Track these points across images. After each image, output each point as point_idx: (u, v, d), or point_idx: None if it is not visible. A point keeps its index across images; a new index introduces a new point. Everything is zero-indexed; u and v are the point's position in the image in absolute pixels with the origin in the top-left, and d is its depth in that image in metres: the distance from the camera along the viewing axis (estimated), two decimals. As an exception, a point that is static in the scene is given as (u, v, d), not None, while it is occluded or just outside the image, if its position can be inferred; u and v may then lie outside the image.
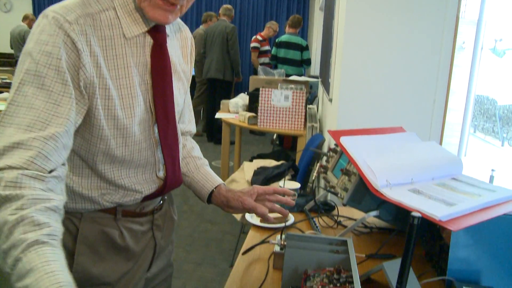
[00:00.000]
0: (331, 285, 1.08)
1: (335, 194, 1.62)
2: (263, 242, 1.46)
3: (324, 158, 1.90)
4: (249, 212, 1.32)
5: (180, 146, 1.28)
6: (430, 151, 1.66)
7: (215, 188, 1.34)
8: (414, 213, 1.10)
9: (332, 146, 1.85)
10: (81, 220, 1.09)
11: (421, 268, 1.48)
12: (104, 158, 1.07)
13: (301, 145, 4.10)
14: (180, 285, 3.12)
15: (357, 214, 1.90)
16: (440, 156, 1.63)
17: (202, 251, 3.66)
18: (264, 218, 1.25)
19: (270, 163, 3.40)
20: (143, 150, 1.13)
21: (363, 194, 1.57)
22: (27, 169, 0.83)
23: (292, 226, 1.70)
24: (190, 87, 1.38)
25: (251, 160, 3.56)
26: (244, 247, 1.55)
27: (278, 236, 1.42)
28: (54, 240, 0.78)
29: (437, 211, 1.25)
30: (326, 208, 1.95)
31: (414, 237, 1.11)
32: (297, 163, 3.48)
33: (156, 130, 1.16)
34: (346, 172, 1.60)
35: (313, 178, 1.86)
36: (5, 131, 0.87)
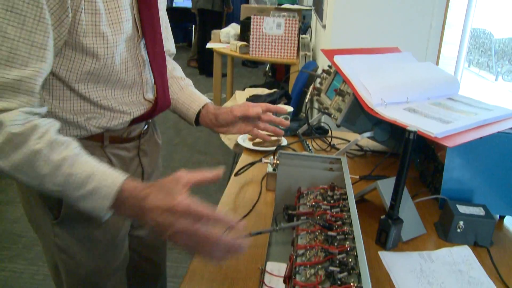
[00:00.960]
0: (325, 202, 1.07)
1: (329, 115, 1.59)
2: (255, 162, 1.44)
3: (318, 80, 1.85)
4: (239, 133, 1.28)
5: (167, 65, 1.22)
6: (426, 71, 1.62)
7: (202, 107, 1.28)
8: (410, 128, 1.07)
9: (326, 67, 1.80)
10: None
11: (416, 189, 1.48)
12: (88, 77, 0.98)
13: (294, 73, 4.03)
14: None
15: (351, 137, 1.88)
16: (437, 76, 1.59)
17: (196, 182, 3.68)
18: (256, 135, 1.21)
19: (263, 91, 3.35)
20: (129, 69, 1.06)
21: (358, 114, 1.54)
22: (23, 107, 0.83)
23: (284, 148, 1.68)
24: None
25: (243, 90, 3.50)
26: (237, 170, 1.53)
27: (271, 157, 1.40)
28: (82, 150, 0.85)
29: (433, 128, 1.22)
30: (320, 132, 1.92)
31: (409, 152, 1.09)
32: (290, 92, 3.43)
33: (143, 48, 1.09)
34: (340, 93, 1.56)
35: (306, 101, 1.82)
36: None
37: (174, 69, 1.35)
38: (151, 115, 1.14)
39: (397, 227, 1.17)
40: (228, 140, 3.11)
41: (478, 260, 1.17)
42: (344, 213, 1.03)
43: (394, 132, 1.58)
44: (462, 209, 1.26)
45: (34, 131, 0.81)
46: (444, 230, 1.27)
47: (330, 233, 0.95)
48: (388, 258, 1.15)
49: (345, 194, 1.11)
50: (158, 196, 0.79)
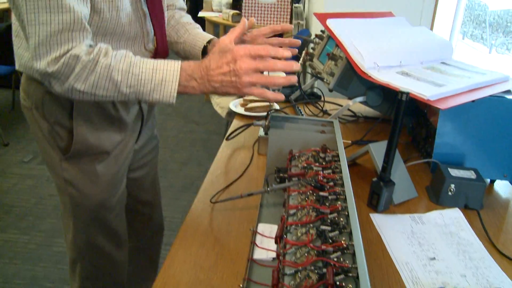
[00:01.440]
0: (317, 164, 1.06)
1: (321, 79, 1.57)
2: (247, 125, 1.43)
3: (310, 45, 1.83)
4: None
5: (165, 18, 1.27)
6: (420, 35, 1.60)
7: (208, 42, 1.29)
8: (402, 89, 1.06)
9: (319, 32, 1.77)
10: None
11: (408, 154, 1.48)
12: (97, 30, 1.06)
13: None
14: (167, 184, 3.15)
15: (344, 103, 1.86)
16: (430, 40, 1.57)
17: (188, 151, 3.67)
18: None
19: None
20: (132, 22, 1.13)
21: (350, 78, 1.52)
22: (85, 40, 0.96)
23: (277, 112, 1.66)
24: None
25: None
26: (228, 134, 1.52)
27: (263, 121, 1.39)
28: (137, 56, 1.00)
29: (425, 91, 1.21)
30: (312, 98, 1.91)
31: (402, 113, 1.08)
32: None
33: (143, 2, 1.15)
34: (332, 57, 1.54)
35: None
36: (38, 18, 0.92)
37: (182, 17, 1.39)
38: None
39: (388, 190, 1.17)
40: (221, 108, 3.09)
41: (468, 222, 1.17)
42: (336, 174, 1.02)
43: (387, 97, 1.57)
44: (454, 172, 1.26)
45: (99, 53, 0.95)
46: (435, 193, 1.27)
47: (321, 193, 0.94)
48: (379, 220, 1.16)
49: (337, 156, 1.10)
50: (217, 57, 0.96)
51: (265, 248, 0.97)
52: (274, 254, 0.96)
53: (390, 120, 1.62)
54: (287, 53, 0.99)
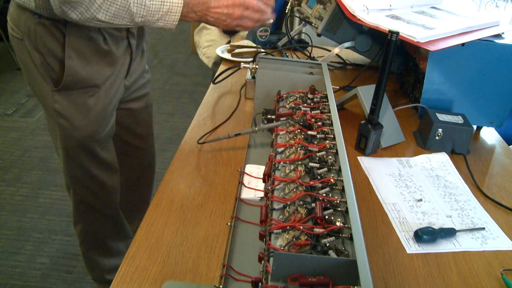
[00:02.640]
0: (305, 104, 1.05)
1: (309, 23, 1.54)
2: (234, 68, 1.39)
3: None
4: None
5: None
6: (412, -22, 1.56)
7: None
8: (392, 29, 1.03)
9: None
10: (66, 26, 1.13)
11: (396, 100, 1.47)
12: None
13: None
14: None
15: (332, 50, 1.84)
16: (422, -17, 1.53)
17: (174, 103, 3.63)
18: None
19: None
20: None
21: (339, 22, 1.49)
22: None
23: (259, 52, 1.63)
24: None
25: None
26: (215, 77, 1.49)
27: (251, 64, 1.36)
28: None
29: (415, 33, 1.19)
30: (300, 45, 1.87)
31: (392, 53, 1.06)
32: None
33: None
34: (321, 1, 1.50)
35: (287, 11, 1.76)
36: None
37: None
38: None
39: (376, 132, 1.16)
40: (207, 58, 3.03)
41: (455, 167, 1.18)
42: (324, 114, 1.01)
43: (376, 42, 1.54)
44: (441, 117, 1.25)
45: None
46: (423, 138, 1.27)
47: (310, 132, 0.93)
48: (367, 162, 1.16)
49: (325, 97, 1.09)
50: None
51: (253, 188, 0.97)
52: (262, 194, 0.95)
53: (379, 67, 1.60)
54: (272, 17, 1.22)
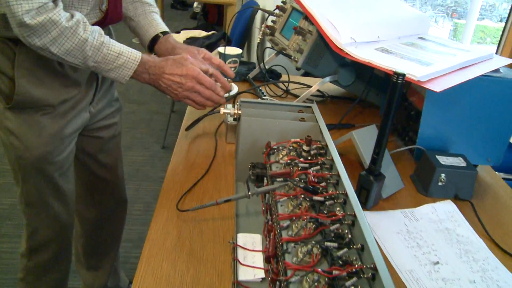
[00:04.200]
0: (301, 159, 0.90)
1: (288, 56, 1.40)
2: (211, 112, 1.23)
3: (269, 18, 1.64)
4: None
5: None
6: (395, 8, 1.45)
7: (162, 33, 1.34)
8: (398, 70, 0.91)
9: (272, 5, 1.59)
10: (17, 44, 1.08)
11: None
12: None
13: (231, 13, 3.76)
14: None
15: (308, 82, 1.71)
16: (406, 13, 1.43)
17: (131, 134, 3.39)
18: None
19: (200, 33, 3.07)
20: None
21: (320, 55, 1.36)
22: (59, 5, 0.99)
23: (235, 96, 1.47)
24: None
25: (178, 32, 3.20)
26: (185, 122, 1.33)
27: (230, 105, 1.20)
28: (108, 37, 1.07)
29: (414, 71, 1.07)
30: (271, 76, 1.74)
31: (397, 98, 0.94)
32: (228, 33, 3.18)
33: None
34: (300, 31, 1.37)
35: (258, 41, 1.62)
36: None
37: None
38: (101, 24, 1.19)
39: (379, 184, 1.03)
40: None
41: (463, 216, 1.06)
42: (327, 173, 0.87)
43: (359, 75, 1.42)
44: (442, 160, 1.14)
45: (79, 24, 1.00)
46: (423, 183, 1.15)
47: (316, 198, 0.78)
48: (370, 218, 1.02)
49: (322, 148, 0.95)
50: (174, 66, 1.10)
51: (251, 266, 0.80)
52: (262, 273, 0.79)
53: (362, 100, 1.48)
54: (223, 101, 1.14)
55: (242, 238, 0.87)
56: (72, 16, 1.00)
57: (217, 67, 1.25)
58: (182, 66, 1.10)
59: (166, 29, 1.36)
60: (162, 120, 3.62)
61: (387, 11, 1.39)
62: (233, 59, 1.67)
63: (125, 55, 1.07)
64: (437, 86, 1.01)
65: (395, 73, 0.91)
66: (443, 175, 1.11)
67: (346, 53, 1.19)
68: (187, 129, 1.26)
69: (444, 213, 1.08)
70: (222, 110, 1.08)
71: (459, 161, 1.15)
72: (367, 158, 1.09)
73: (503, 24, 2.96)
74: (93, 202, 1.58)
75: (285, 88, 1.63)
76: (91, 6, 1.13)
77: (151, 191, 2.76)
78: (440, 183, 1.12)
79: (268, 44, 1.62)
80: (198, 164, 1.13)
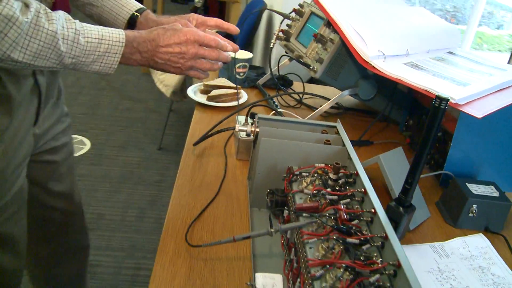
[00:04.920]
0: (329, 189, 0.80)
1: (306, 66, 1.30)
2: (225, 129, 1.12)
3: (285, 22, 1.54)
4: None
5: None
6: (424, 19, 1.35)
7: (139, 12, 1.10)
8: (440, 94, 0.81)
9: (296, 6, 1.49)
10: None
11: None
12: None
13: (235, 11, 3.64)
14: (102, 173, 2.76)
15: (320, 91, 1.61)
16: (436, 25, 1.33)
17: (126, 133, 3.27)
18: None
19: (203, 32, 2.95)
20: None
21: (341, 66, 1.26)
22: None
23: (248, 108, 1.36)
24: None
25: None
26: (192, 134, 1.22)
27: (241, 118, 1.10)
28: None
29: (451, 92, 0.98)
30: (282, 84, 1.63)
31: (438, 125, 0.84)
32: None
33: None
34: (320, 39, 1.27)
35: (272, 46, 1.51)
36: None
37: None
38: None
39: (409, 216, 0.93)
40: (165, 87, 2.74)
41: (497, 252, 0.97)
42: (356, 205, 0.77)
43: (381, 89, 1.32)
44: (473, 188, 1.04)
45: (39, 14, 0.79)
46: (451, 213, 1.06)
47: (350, 240, 0.68)
48: (399, 255, 0.92)
49: (350, 176, 0.85)
50: (168, 35, 0.91)
51: (272, 315, 0.70)
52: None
53: (378, 113, 1.39)
54: (230, 48, 1.00)
55: (261, 279, 0.76)
56: (26, 5, 0.78)
57: (215, 27, 1.10)
58: (177, 32, 0.91)
59: (140, 5, 1.13)
60: (159, 119, 3.50)
61: (416, 22, 1.29)
62: (243, 63, 1.56)
63: (107, 38, 0.87)
64: (478, 111, 0.92)
65: (438, 97, 0.81)
66: (474, 206, 1.02)
67: (373, 66, 1.08)
68: (195, 144, 1.15)
69: (476, 248, 0.98)
70: (237, 127, 0.97)
71: (491, 191, 1.05)
72: (394, 186, 0.99)
73: (500, 31, 2.91)
74: (45, 237, 1.32)
75: (298, 98, 1.53)
76: None
77: (146, 196, 2.62)
78: (470, 214, 1.02)
79: (282, 50, 1.51)
80: (207, 185, 1.03)
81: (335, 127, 0.99)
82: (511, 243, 1.01)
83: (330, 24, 1.24)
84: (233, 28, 1.10)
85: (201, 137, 1.13)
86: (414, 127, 1.31)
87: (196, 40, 0.92)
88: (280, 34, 1.49)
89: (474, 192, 1.04)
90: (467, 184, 1.06)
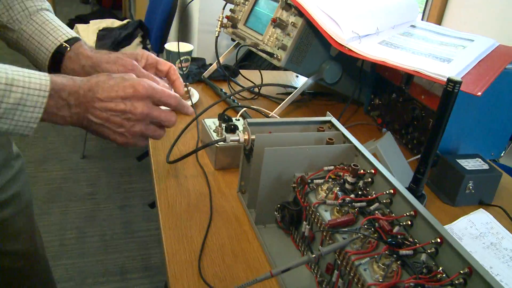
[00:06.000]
0: (352, 195, 0.72)
1: (267, 54, 1.19)
2: (213, 142, 0.98)
3: (228, 6, 1.41)
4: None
5: None
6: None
7: (69, 44, 0.82)
8: (453, 77, 0.76)
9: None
10: None
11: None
12: None
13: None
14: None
15: (267, 78, 1.52)
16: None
17: (42, 145, 2.93)
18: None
19: (113, 23, 2.72)
20: None
21: (305, 51, 1.18)
22: None
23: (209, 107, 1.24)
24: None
25: (85, 23, 2.80)
26: (153, 146, 1.08)
27: (208, 121, 0.98)
28: None
29: (439, 70, 0.93)
30: (229, 74, 1.52)
31: (451, 109, 0.79)
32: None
33: None
34: (280, 24, 1.17)
35: (217, 35, 1.38)
36: None
37: None
38: None
39: (422, 206, 0.89)
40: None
41: (501, 225, 0.96)
42: (388, 210, 0.70)
43: (349, 73, 1.27)
44: (464, 164, 1.03)
45: None
46: (448, 193, 1.03)
47: (403, 252, 0.61)
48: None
49: (368, 177, 0.77)
50: (110, 84, 0.67)
51: None
52: None
53: (345, 95, 1.32)
54: (191, 110, 0.78)
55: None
56: None
57: (166, 76, 0.86)
58: (124, 82, 0.68)
59: (73, 33, 0.85)
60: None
61: (378, -2, 1.23)
62: (185, 57, 1.43)
63: (20, 85, 0.61)
64: (475, 88, 0.88)
65: (451, 80, 0.76)
66: (471, 182, 1.00)
67: (350, 49, 1.01)
68: (172, 162, 1.01)
69: (482, 225, 0.96)
70: (230, 138, 0.85)
71: (480, 163, 1.04)
72: (395, 173, 0.94)
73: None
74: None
75: (259, 90, 1.43)
76: None
77: (82, 212, 2.38)
78: (467, 191, 1.01)
79: (227, 38, 1.40)
80: (195, 207, 0.90)
81: (328, 122, 0.91)
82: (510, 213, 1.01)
83: (289, 6, 1.15)
84: (181, 89, 0.85)
85: (181, 157, 0.98)
86: (382, 106, 1.27)
87: (150, 96, 0.69)
88: (225, 20, 1.37)
89: (467, 168, 1.02)
90: (457, 160, 1.04)
